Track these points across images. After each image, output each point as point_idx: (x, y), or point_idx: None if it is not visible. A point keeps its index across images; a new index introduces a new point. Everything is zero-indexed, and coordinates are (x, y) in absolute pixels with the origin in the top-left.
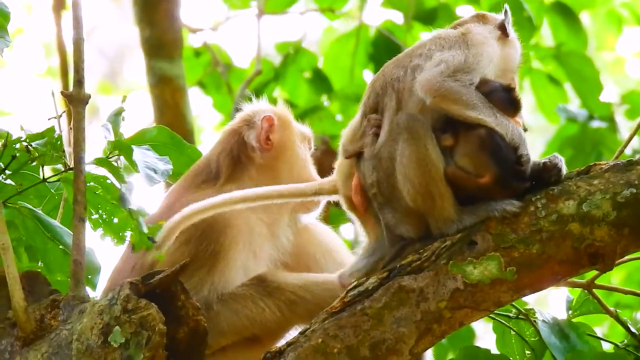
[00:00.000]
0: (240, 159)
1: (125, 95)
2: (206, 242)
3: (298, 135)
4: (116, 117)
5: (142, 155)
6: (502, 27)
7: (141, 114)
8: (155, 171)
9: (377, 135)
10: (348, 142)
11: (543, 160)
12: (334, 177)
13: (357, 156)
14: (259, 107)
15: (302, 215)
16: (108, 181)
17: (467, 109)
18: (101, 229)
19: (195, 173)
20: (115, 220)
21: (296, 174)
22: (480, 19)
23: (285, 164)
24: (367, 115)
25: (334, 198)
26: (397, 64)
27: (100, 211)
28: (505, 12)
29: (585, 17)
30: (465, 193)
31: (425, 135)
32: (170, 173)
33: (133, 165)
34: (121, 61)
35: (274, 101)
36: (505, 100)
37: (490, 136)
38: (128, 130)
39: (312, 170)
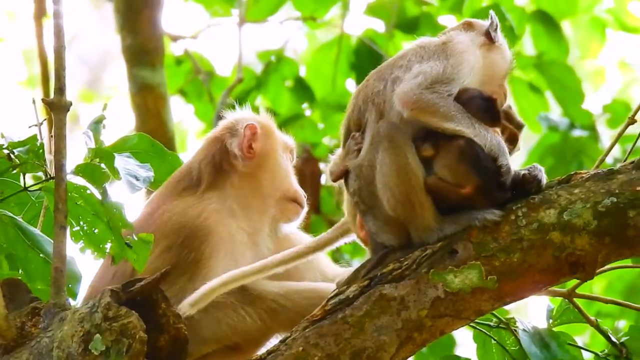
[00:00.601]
0: (222, 166)
1: (105, 103)
2: (187, 249)
3: (281, 145)
4: (97, 125)
5: (124, 162)
6: (487, 34)
7: (122, 121)
8: (136, 178)
9: (359, 151)
10: (334, 165)
11: (522, 172)
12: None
13: (345, 177)
14: (242, 115)
15: (283, 224)
16: (88, 191)
17: (445, 121)
18: (82, 241)
19: (176, 180)
20: (96, 231)
21: (277, 183)
22: (466, 26)
23: (267, 172)
24: (351, 132)
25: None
26: (378, 75)
27: (81, 222)
28: (491, 18)
29: (568, 26)
30: (447, 204)
31: (405, 144)
32: (152, 180)
33: (114, 173)
34: (102, 69)
35: (256, 109)
36: (484, 109)
37: (470, 146)
38: (109, 137)
39: (294, 180)
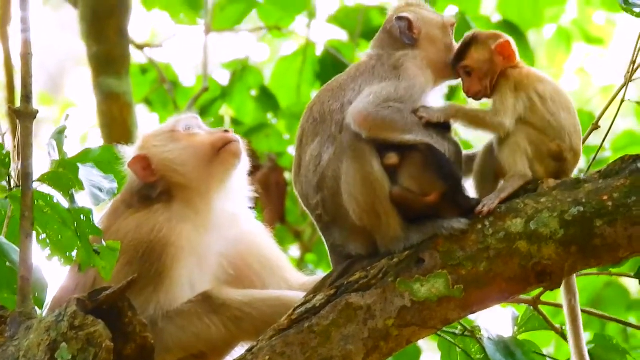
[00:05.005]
0: (146, 196)
1: (68, 114)
2: (148, 263)
3: (176, 124)
4: (60, 136)
5: (87, 173)
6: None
7: (82, 128)
8: (100, 189)
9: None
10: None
11: None
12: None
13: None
14: (128, 151)
15: (232, 172)
16: (55, 199)
17: (405, 134)
18: (48, 249)
19: (122, 198)
20: (63, 239)
21: (192, 162)
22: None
23: (178, 172)
24: (303, 142)
25: None
26: (333, 93)
27: (47, 230)
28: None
29: (537, 35)
30: (414, 213)
31: (370, 154)
32: (116, 191)
33: (78, 184)
34: (62, 73)
35: (221, 118)
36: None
37: (432, 153)
38: (70, 147)
39: (205, 135)
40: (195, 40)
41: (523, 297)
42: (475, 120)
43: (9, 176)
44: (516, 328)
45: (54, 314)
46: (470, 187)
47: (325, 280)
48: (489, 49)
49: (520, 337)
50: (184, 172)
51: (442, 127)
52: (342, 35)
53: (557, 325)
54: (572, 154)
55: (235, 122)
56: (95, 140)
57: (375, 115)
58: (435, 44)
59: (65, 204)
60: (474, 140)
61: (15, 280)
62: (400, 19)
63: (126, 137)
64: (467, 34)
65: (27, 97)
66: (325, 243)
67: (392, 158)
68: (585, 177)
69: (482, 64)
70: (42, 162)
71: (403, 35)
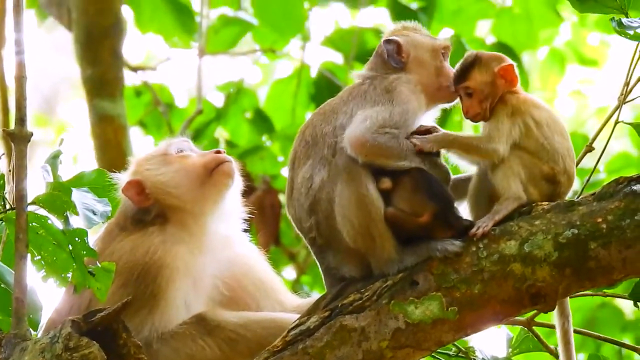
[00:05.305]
0: (140, 220)
1: (62, 138)
2: (144, 284)
3: (168, 148)
4: (54, 160)
5: (81, 196)
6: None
7: (77, 150)
8: (94, 212)
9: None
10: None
11: None
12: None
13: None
14: (120, 178)
15: (225, 191)
16: (49, 221)
17: (399, 160)
18: (43, 270)
19: (116, 222)
20: (58, 260)
21: (185, 184)
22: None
23: (171, 195)
24: (295, 164)
25: None
26: (325, 117)
27: (42, 252)
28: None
29: (531, 57)
30: (408, 234)
31: (365, 177)
32: (109, 214)
33: (72, 207)
34: (56, 94)
35: (214, 141)
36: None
37: (422, 176)
38: (65, 170)
39: (196, 158)
40: (190, 63)
41: (517, 318)
42: (468, 148)
43: (4, 198)
44: (510, 349)
45: (48, 335)
46: (464, 210)
47: (319, 303)
48: (492, 72)
49: (515, 358)
50: (178, 194)
51: (432, 154)
52: (336, 57)
53: (552, 347)
54: (566, 177)
55: (230, 144)
56: (89, 162)
57: (373, 141)
58: (425, 67)
59: (59, 226)
60: (465, 165)
61: (10, 301)
62: (388, 42)
63: (120, 160)
64: (469, 54)
65: (21, 119)
66: (319, 266)
67: (386, 182)
68: (579, 200)
69: (484, 86)
70: (36, 184)
71: (391, 58)
